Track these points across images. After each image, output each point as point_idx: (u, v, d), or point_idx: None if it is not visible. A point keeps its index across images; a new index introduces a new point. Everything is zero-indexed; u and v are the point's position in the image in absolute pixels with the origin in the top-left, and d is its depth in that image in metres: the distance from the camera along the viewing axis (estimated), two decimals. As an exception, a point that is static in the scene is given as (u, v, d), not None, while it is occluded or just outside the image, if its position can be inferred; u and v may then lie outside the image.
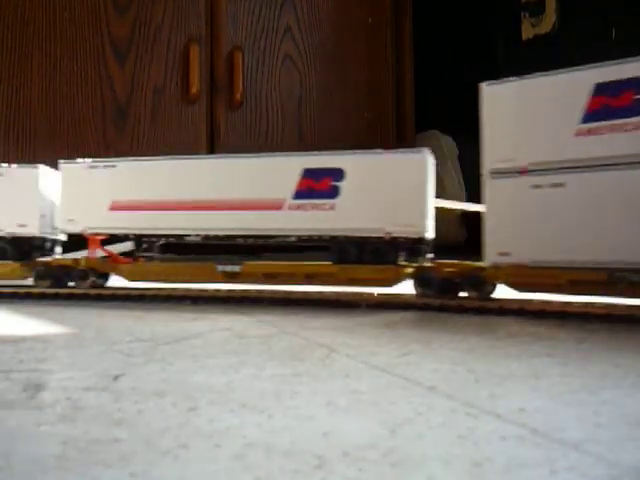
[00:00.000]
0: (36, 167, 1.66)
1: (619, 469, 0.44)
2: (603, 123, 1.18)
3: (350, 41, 2.74)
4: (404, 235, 1.39)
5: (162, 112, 2.42)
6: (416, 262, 1.43)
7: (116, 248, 1.74)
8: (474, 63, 3.00)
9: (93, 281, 1.59)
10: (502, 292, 1.31)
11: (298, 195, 1.45)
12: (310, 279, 1.45)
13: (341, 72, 2.72)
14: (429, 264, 1.42)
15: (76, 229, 1.62)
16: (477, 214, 1.41)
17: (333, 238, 1.45)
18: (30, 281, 1.61)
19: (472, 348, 0.88)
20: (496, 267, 1.28)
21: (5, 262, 1.63)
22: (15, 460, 0.46)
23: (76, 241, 1.71)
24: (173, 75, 2.43)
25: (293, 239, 1.47)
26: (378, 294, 1.44)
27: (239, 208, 1.49)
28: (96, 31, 2.36)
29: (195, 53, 2.43)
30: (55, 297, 1.51)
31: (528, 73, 1.27)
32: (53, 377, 0.71)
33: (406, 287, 1.41)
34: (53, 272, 1.60)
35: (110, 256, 1.66)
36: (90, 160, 1.61)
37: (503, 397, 0.62)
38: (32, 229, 1.65)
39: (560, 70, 1.26)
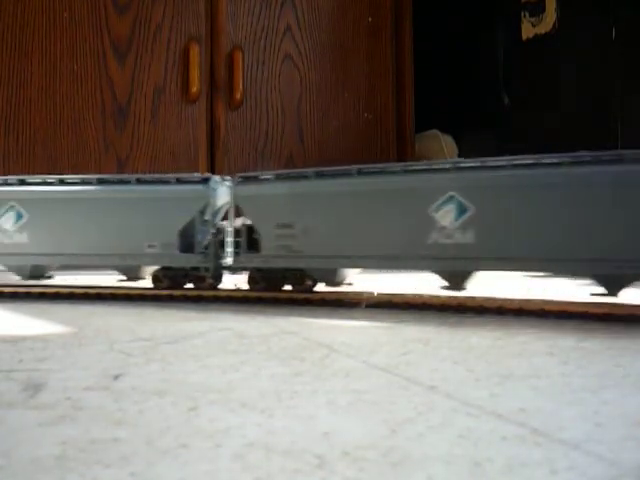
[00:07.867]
0: None
1: (619, 469, 0.44)
2: None
3: (350, 41, 2.74)
4: None
5: (162, 112, 2.42)
6: None
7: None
8: (474, 63, 3.00)
9: None
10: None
11: None
12: None
13: (341, 72, 2.72)
14: None
15: None
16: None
17: None
18: None
19: (472, 347, 0.88)
20: None
21: None
22: (15, 459, 0.46)
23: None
24: (173, 75, 2.43)
25: None
26: (378, 294, 1.44)
27: None
28: (96, 31, 2.36)
29: (195, 53, 2.43)
30: (55, 297, 1.51)
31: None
32: (53, 377, 0.71)
33: (405, 287, 1.41)
34: None
35: None
36: None
37: (503, 397, 0.62)
38: None
39: None
